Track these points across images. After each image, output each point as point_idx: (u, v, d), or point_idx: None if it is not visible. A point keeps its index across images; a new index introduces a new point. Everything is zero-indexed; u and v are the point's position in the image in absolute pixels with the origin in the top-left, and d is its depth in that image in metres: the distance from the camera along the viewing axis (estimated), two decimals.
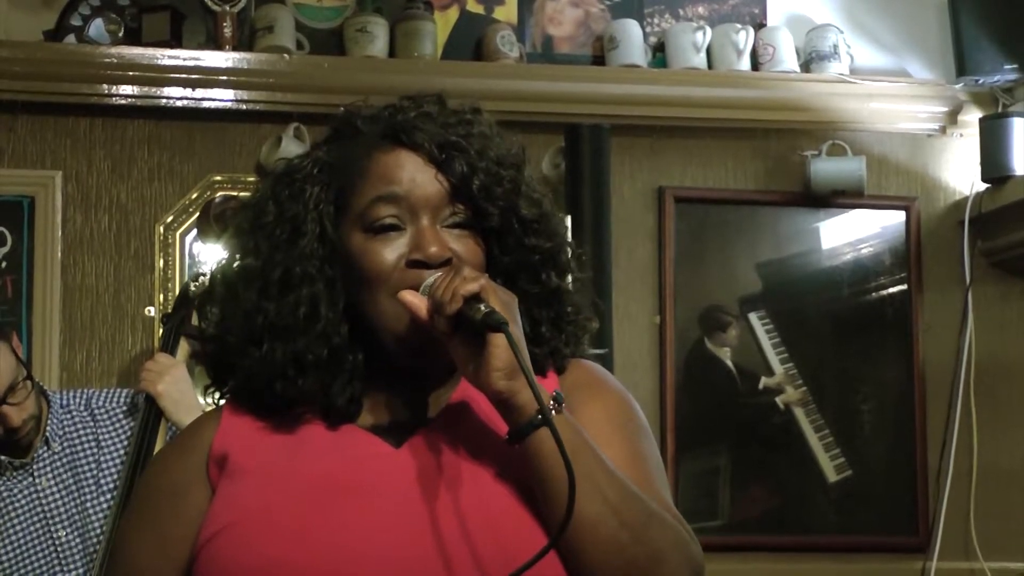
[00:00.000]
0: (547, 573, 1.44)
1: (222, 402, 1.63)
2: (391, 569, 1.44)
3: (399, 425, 1.56)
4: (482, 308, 1.43)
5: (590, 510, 1.42)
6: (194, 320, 3.22)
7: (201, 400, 3.65)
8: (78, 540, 3.03)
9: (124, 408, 3.18)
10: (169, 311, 3.42)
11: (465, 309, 1.44)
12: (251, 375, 1.56)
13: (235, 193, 3.93)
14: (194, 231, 3.89)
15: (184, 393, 3.13)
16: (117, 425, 3.16)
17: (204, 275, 3.27)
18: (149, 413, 3.08)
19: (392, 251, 1.53)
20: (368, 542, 1.45)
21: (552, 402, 1.45)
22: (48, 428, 3.11)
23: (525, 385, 1.43)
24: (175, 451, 1.65)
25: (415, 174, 1.54)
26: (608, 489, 1.45)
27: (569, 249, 1.63)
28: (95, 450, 3.10)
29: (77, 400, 3.18)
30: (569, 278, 1.63)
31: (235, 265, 1.60)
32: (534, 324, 1.57)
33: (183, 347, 3.24)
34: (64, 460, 3.10)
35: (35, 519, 3.05)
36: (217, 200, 3.41)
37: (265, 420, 1.58)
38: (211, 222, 3.35)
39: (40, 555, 3.03)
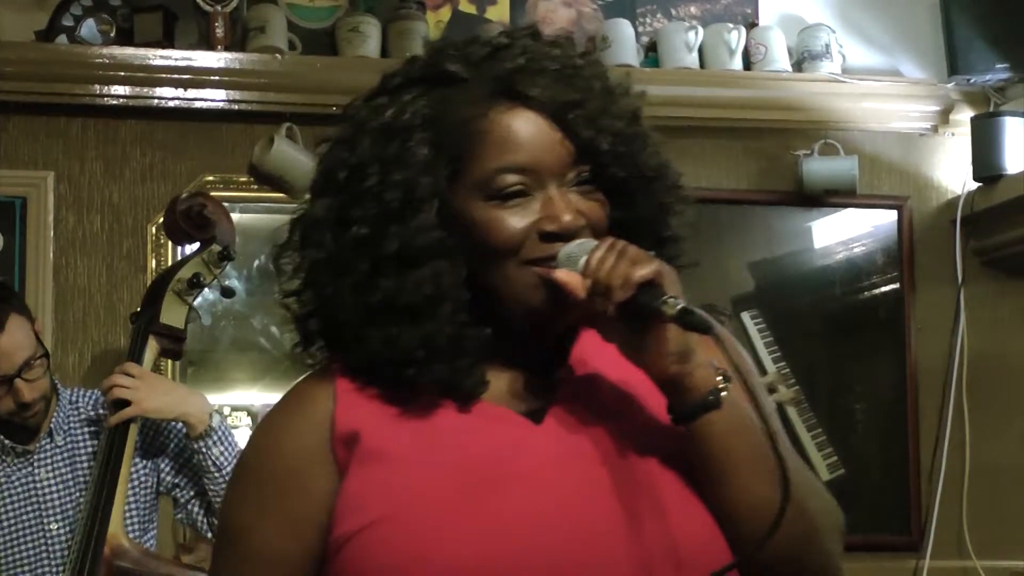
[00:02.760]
0: (715, 548, 1.39)
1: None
2: (573, 559, 1.36)
3: (530, 397, 1.47)
4: (672, 302, 1.35)
5: (764, 493, 1.35)
6: (163, 318, 3.19)
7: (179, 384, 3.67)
8: (68, 534, 3.04)
9: None
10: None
11: (642, 297, 1.35)
12: (372, 358, 1.44)
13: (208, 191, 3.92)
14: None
15: (168, 391, 3.12)
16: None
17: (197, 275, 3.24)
18: (114, 433, 3.06)
19: (520, 219, 1.43)
20: (540, 531, 1.36)
21: (721, 381, 1.39)
22: (54, 420, 3.12)
23: (696, 366, 1.37)
24: (290, 425, 1.50)
25: (540, 140, 1.43)
26: (772, 464, 1.36)
27: (676, 179, 1.55)
28: (95, 449, 3.10)
29: (86, 399, 3.19)
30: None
31: (338, 229, 1.46)
32: None
33: (152, 345, 3.18)
34: (65, 454, 3.11)
35: (29, 509, 3.06)
36: (183, 197, 3.35)
37: (386, 395, 1.46)
38: (178, 219, 3.29)
39: (29, 545, 3.04)
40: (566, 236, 1.42)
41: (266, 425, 1.54)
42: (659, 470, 1.42)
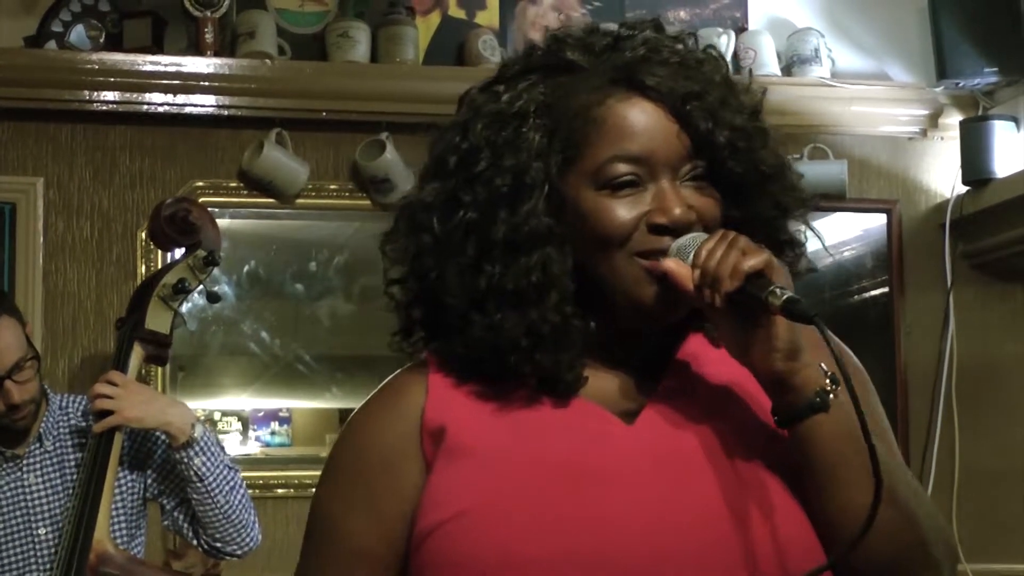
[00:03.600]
0: (817, 554, 1.36)
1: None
2: (630, 566, 1.33)
3: (627, 397, 1.45)
4: (779, 292, 1.31)
5: (869, 499, 1.29)
6: (148, 324, 3.18)
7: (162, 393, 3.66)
8: (55, 539, 3.04)
9: None
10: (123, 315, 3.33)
11: (750, 288, 1.32)
12: (475, 344, 1.42)
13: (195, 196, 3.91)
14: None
15: (150, 400, 3.12)
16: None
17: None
18: (99, 441, 3.06)
19: (629, 210, 1.40)
20: (619, 529, 1.34)
21: (829, 383, 1.34)
22: (43, 425, 3.11)
23: (804, 365, 1.34)
24: (380, 418, 1.48)
25: (656, 130, 1.41)
26: (888, 476, 1.31)
27: (797, 179, 1.51)
28: (83, 455, 3.10)
29: (76, 405, 3.18)
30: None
31: (446, 212, 1.44)
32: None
33: (137, 351, 3.17)
34: (54, 459, 3.11)
35: (18, 513, 3.05)
36: (168, 202, 3.34)
37: (479, 390, 1.45)
38: (162, 225, 3.29)
39: (17, 549, 3.04)
40: (676, 230, 1.40)
41: (358, 418, 1.52)
42: (757, 472, 1.38)
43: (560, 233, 1.42)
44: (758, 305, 1.33)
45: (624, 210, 1.41)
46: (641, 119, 1.41)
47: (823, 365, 1.36)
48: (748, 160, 1.44)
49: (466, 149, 1.45)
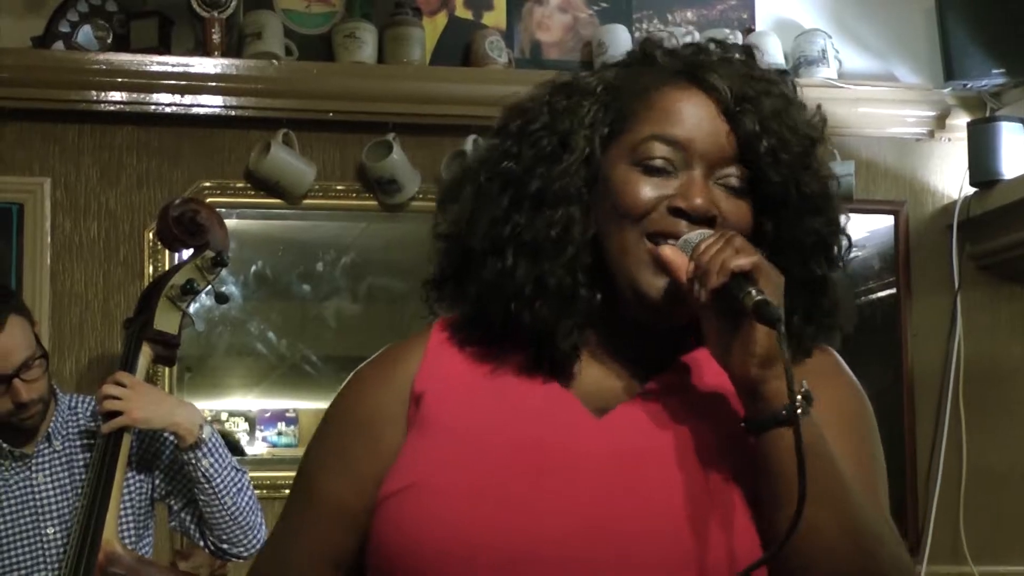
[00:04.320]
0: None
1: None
2: (566, 559, 1.34)
3: (612, 390, 1.46)
4: (754, 293, 1.31)
5: (822, 521, 1.31)
6: (156, 324, 3.18)
7: (169, 394, 3.66)
8: (64, 538, 3.04)
9: None
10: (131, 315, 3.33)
11: (733, 287, 1.33)
12: (484, 289, 1.46)
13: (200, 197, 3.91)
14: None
15: (158, 401, 3.12)
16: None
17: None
18: (108, 441, 3.06)
19: (655, 190, 1.43)
20: (548, 524, 1.35)
21: (801, 399, 1.33)
22: (52, 425, 3.12)
23: (777, 375, 1.32)
24: (375, 379, 1.53)
25: (702, 120, 1.44)
26: (842, 501, 1.34)
27: (845, 240, 1.51)
28: (93, 454, 3.10)
29: (84, 404, 3.19)
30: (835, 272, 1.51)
31: (494, 165, 1.49)
32: (788, 311, 1.39)
33: (145, 352, 3.17)
34: (63, 459, 3.11)
35: (26, 512, 3.06)
36: (176, 202, 3.34)
37: (470, 362, 1.49)
38: (170, 225, 3.29)
39: (26, 548, 3.04)
40: (693, 218, 1.41)
41: (352, 378, 1.56)
42: (724, 481, 1.38)
43: (587, 199, 1.45)
44: (734, 304, 1.33)
45: (649, 188, 1.43)
46: (690, 107, 1.44)
47: (805, 382, 1.35)
48: (789, 175, 1.44)
49: (529, 111, 1.51)
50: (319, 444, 1.55)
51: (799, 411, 1.32)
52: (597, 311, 1.46)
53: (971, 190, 4.38)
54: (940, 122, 4.42)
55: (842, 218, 1.52)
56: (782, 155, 1.44)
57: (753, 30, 4.41)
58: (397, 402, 1.49)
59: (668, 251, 1.40)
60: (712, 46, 1.51)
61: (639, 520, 1.35)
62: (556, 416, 1.43)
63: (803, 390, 1.34)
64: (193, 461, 3.04)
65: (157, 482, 3.18)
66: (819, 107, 1.53)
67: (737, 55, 1.50)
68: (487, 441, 1.41)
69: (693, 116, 1.44)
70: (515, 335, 1.46)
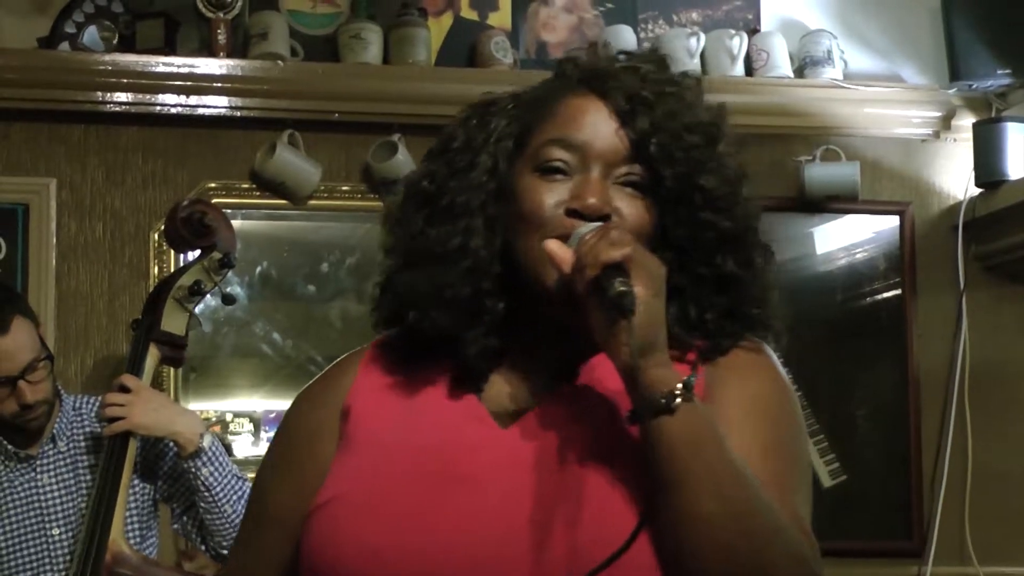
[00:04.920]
0: (636, 564, 1.35)
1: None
2: (474, 566, 1.38)
3: (522, 399, 1.49)
4: (617, 284, 1.34)
5: (707, 509, 1.33)
6: (163, 325, 3.19)
7: (173, 402, 3.65)
8: (69, 539, 3.05)
9: None
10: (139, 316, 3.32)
11: (603, 278, 1.35)
12: (397, 302, 1.52)
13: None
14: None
15: (160, 408, 3.12)
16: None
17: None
18: (114, 443, 3.06)
19: (554, 195, 1.46)
20: (461, 534, 1.39)
21: (681, 388, 1.34)
22: (57, 425, 3.13)
23: (655, 364, 1.34)
24: (315, 397, 1.60)
25: (598, 123, 1.48)
26: (728, 487, 1.34)
27: (756, 235, 1.53)
28: (97, 455, 3.11)
29: (89, 406, 3.19)
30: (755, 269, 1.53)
31: (415, 185, 1.56)
32: (700, 311, 1.48)
33: (152, 353, 3.17)
34: (67, 460, 3.12)
35: (31, 513, 3.07)
36: (184, 204, 3.34)
37: (394, 376, 1.54)
38: (178, 226, 3.29)
39: (31, 549, 3.05)
40: (589, 217, 1.44)
41: (297, 396, 1.63)
42: (605, 479, 1.39)
43: (493, 212, 1.50)
44: (605, 296, 1.35)
45: (549, 194, 1.47)
46: (586, 112, 1.49)
47: (694, 375, 1.37)
48: (684, 173, 1.47)
49: (450, 133, 1.57)
50: (267, 461, 1.63)
51: (679, 400, 1.34)
52: (511, 320, 1.49)
53: (976, 191, 4.37)
54: (946, 123, 4.41)
55: (754, 213, 1.54)
56: (676, 153, 1.47)
57: (759, 31, 4.41)
58: (332, 418, 1.54)
59: (553, 244, 1.42)
60: (623, 56, 1.55)
61: (489, 526, 1.39)
62: (462, 427, 1.47)
63: (683, 380, 1.35)
64: (193, 470, 3.04)
65: (160, 483, 3.19)
66: (722, 105, 1.57)
67: (644, 65, 1.53)
68: (396, 454, 1.46)
69: (589, 120, 1.49)
70: (439, 349, 1.51)
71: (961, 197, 4.41)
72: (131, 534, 3.09)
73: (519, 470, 1.42)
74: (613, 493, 1.39)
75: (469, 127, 1.55)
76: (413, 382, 1.52)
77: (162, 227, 3.93)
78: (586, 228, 1.42)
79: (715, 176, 1.50)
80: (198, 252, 3.32)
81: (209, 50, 4.04)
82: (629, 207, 1.47)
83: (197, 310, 3.27)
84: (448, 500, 1.41)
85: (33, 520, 3.07)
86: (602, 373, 1.45)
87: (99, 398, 3.18)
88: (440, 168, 1.54)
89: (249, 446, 4.55)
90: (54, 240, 3.98)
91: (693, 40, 4.27)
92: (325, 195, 4.13)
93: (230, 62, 4.03)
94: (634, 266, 1.36)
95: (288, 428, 1.61)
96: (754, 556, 1.34)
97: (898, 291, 4.41)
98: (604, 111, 1.49)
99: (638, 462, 1.38)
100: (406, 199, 1.56)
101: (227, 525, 3.07)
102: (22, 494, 3.08)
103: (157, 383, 3.62)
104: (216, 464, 3.06)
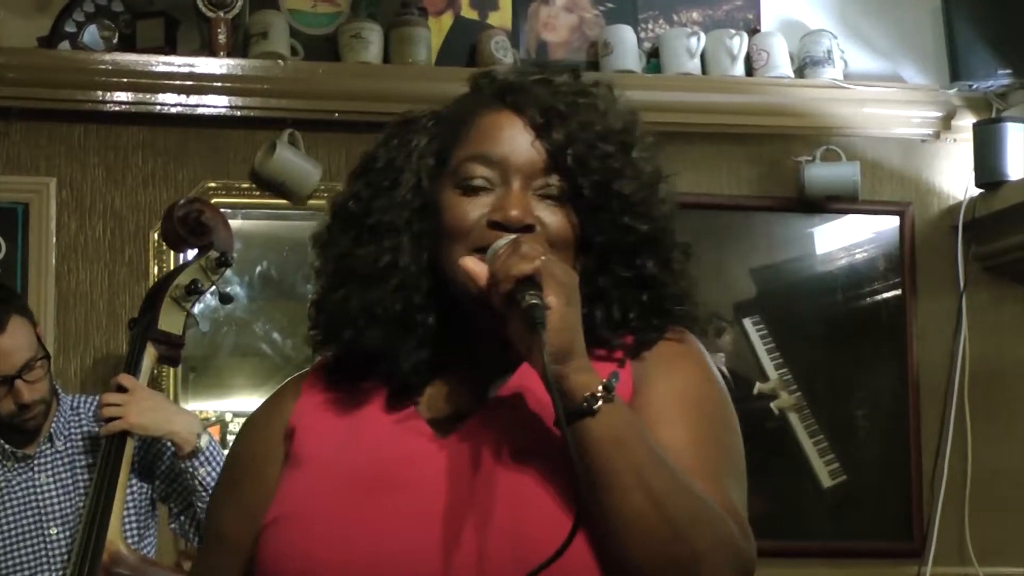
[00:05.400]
0: (574, 564, 1.38)
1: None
2: (408, 570, 1.41)
3: (458, 408, 1.52)
4: (528, 298, 1.37)
5: (632, 503, 1.36)
6: (160, 324, 3.19)
7: (170, 402, 3.65)
8: (67, 538, 3.05)
9: None
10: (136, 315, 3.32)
11: (515, 291, 1.39)
12: (329, 321, 1.55)
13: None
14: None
15: (157, 408, 3.11)
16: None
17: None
18: (111, 442, 3.06)
19: (476, 209, 1.50)
20: (399, 543, 1.42)
21: (601, 390, 1.38)
22: (54, 425, 3.13)
23: (574, 369, 1.38)
24: (260, 418, 1.64)
25: (514, 137, 1.52)
26: (654, 481, 1.37)
27: (674, 236, 1.57)
28: (95, 455, 3.11)
29: (87, 405, 3.20)
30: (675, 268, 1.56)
31: (341, 207, 1.58)
32: (624, 310, 1.52)
33: (150, 352, 3.18)
34: (65, 459, 3.12)
35: (29, 513, 3.07)
36: (181, 203, 3.34)
37: (335, 394, 1.57)
38: (175, 226, 3.29)
39: (29, 549, 3.05)
40: (512, 229, 1.48)
41: (245, 421, 1.68)
42: (538, 482, 1.42)
43: (418, 229, 1.54)
44: (518, 309, 1.38)
45: (471, 208, 1.50)
46: (502, 127, 1.53)
47: (615, 377, 1.40)
48: (600, 180, 1.51)
49: (369, 154, 1.61)
50: (218, 485, 1.70)
51: (600, 402, 1.37)
52: (445, 331, 1.53)
53: (977, 191, 4.37)
54: (946, 123, 4.41)
55: (669, 214, 1.57)
56: (592, 163, 1.50)
57: (759, 31, 4.41)
58: (278, 439, 1.57)
59: (468, 262, 1.46)
60: (535, 69, 1.58)
61: (426, 535, 1.42)
62: (401, 439, 1.50)
63: (604, 381, 1.39)
64: (190, 470, 3.04)
65: (157, 483, 3.19)
66: (634, 112, 1.59)
67: (557, 77, 1.56)
68: (338, 469, 1.49)
69: (506, 135, 1.52)
70: (377, 365, 1.54)
71: (961, 197, 4.41)
72: (129, 534, 3.09)
73: (454, 478, 1.45)
74: (547, 496, 1.42)
75: (390, 147, 1.59)
76: (353, 398, 1.55)
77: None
78: (501, 242, 1.45)
79: (631, 182, 1.53)
80: (195, 251, 3.32)
81: (209, 49, 4.04)
82: (551, 216, 1.50)
83: (195, 309, 3.27)
84: (386, 511, 1.44)
85: (31, 520, 3.07)
86: (534, 378, 1.46)
87: (97, 398, 3.18)
88: (364, 189, 1.57)
89: None
90: (54, 239, 3.98)
91: (693, 40, 4.27)
92: (325, 194, 4.11)
93: (230, 61, 4.03)
94: (545, 277, 1.39)
95: (236, 452, 1.66)
96: (680, 543, 1.38)
97: (898, 291, 4.41)
98: (519, 125, 1.52)
99: (569, 465, 1.39)
100: (333, 220, 1.58)
101: None
102: (19, 494, 3.08)
103: (156, 383, 3.63)
104: (214, 464, 3.05)
